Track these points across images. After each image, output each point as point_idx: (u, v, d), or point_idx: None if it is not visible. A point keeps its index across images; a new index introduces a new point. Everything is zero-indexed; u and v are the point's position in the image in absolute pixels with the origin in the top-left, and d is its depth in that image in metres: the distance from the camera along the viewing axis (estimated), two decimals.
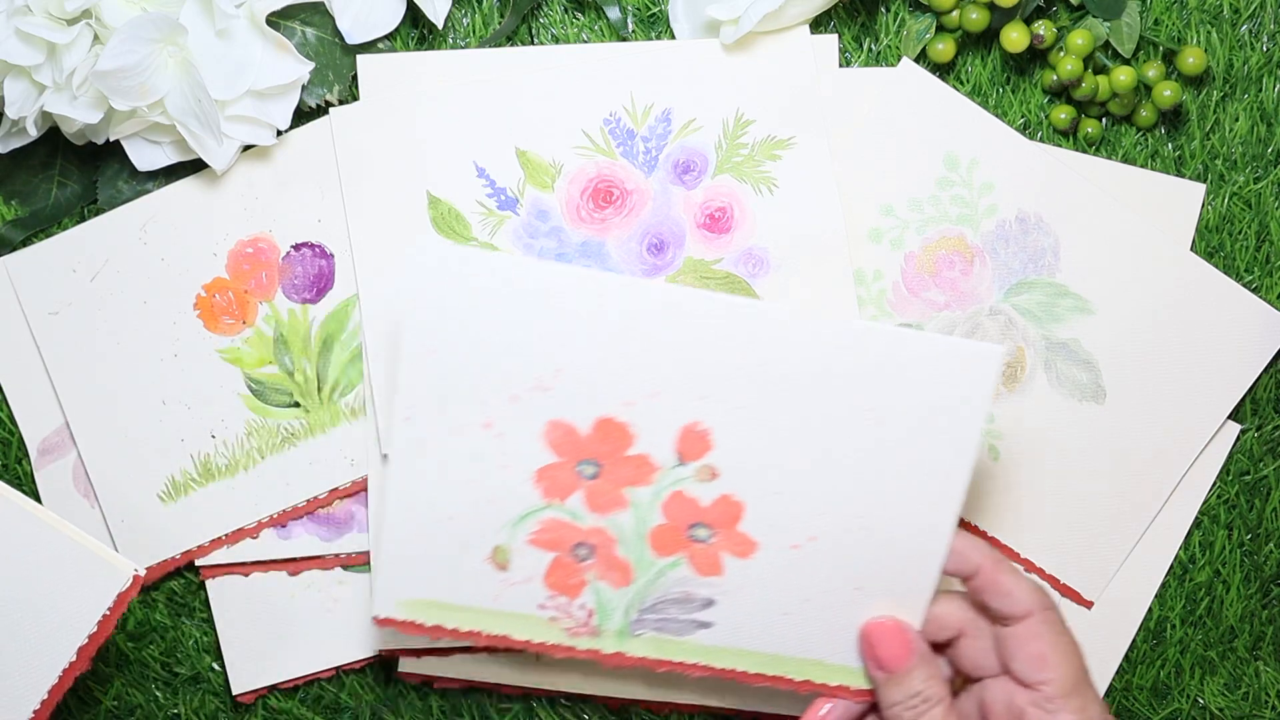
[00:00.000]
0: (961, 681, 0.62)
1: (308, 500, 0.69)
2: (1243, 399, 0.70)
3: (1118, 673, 0.71)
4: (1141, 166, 0.70)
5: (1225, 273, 0.69)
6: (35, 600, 0.58)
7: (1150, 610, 0.71)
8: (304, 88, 0.67)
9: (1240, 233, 0.70)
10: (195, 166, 0.68)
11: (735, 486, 0.59)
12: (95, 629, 0.58)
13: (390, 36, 0.69)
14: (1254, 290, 0.70)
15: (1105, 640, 0.70)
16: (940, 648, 0.61)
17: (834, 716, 0.62)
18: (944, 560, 0.59)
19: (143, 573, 0.59)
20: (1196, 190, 0.69)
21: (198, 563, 0.69)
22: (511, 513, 0.59)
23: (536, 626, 0.61)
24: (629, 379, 0.58)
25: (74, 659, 0.58)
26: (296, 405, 0.68)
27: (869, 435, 0.58)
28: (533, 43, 0.70)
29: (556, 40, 0.70)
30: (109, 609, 0.58)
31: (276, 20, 0.67)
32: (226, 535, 0.69)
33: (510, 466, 0.59)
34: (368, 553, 0.69)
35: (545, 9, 0.70)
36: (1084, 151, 0.70)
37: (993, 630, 0.60)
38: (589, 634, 0.61)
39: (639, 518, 0.60)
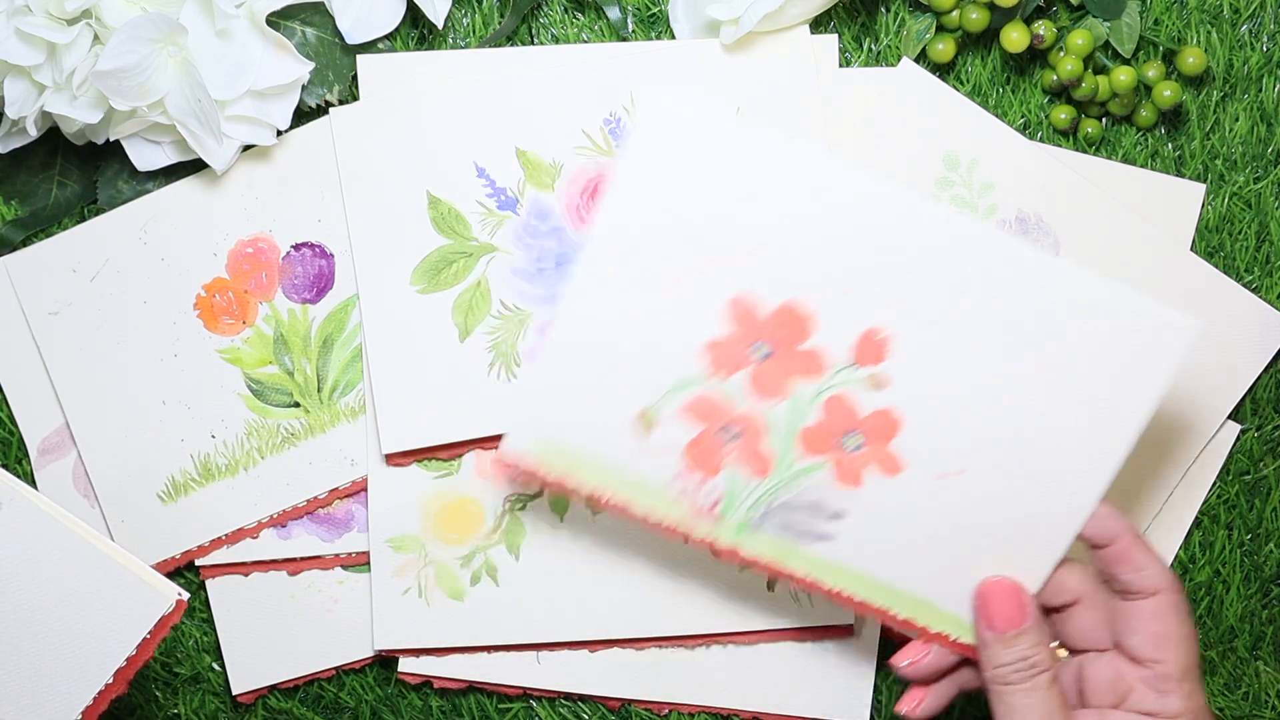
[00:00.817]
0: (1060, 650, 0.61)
1: (308, 500, 0.69)
2: (1243, 399, 0.70)
3: None
4: (1141, 166, 0.70)
5: (1225, 273, 0.69)
6: (76, 621, 0.57)
7: None
8: (304, 88, 0.67)
9: (1240, 233, 0.70)
10: (195, 166, 0.68)
11: (899, 401, 0.57)
12: (135, 652, 0.57)
13: (390, 36, 0.69)
14: (1254, 290, 0.70)
15: None
16: (1049, 613, 0.60)
17: (925, 663, 0.60)
18: (1084, 523, 0.57)
19: (186, 597, 0.57)
20: (1196, 190, 0.69)
21: (198, 563, 0.69)
22: (671, 377, 0.57)
23: (661, 500, 0.59)
24: (827, 269, 0.56)
25: (110, 681, 0.57)
26: (296, 405, 0.68)
27: (1046, 379, 0.56)
28: (533, 43, 0.70)
29: (556, 40, 0.70)
30: (150, 632, 0.57)
31: (276, 20, 0.67)
32: (226, 535, 0.69)
33: (684, 330, 0.57)
34: (367, 553, 0.69)
35: (545, 9, 0.70)
36: (1084, 151, 0.70)
37: (1110, 604, 0.58)
38: (710, 520, 0.59)
39: (795, 411, 0.58)
